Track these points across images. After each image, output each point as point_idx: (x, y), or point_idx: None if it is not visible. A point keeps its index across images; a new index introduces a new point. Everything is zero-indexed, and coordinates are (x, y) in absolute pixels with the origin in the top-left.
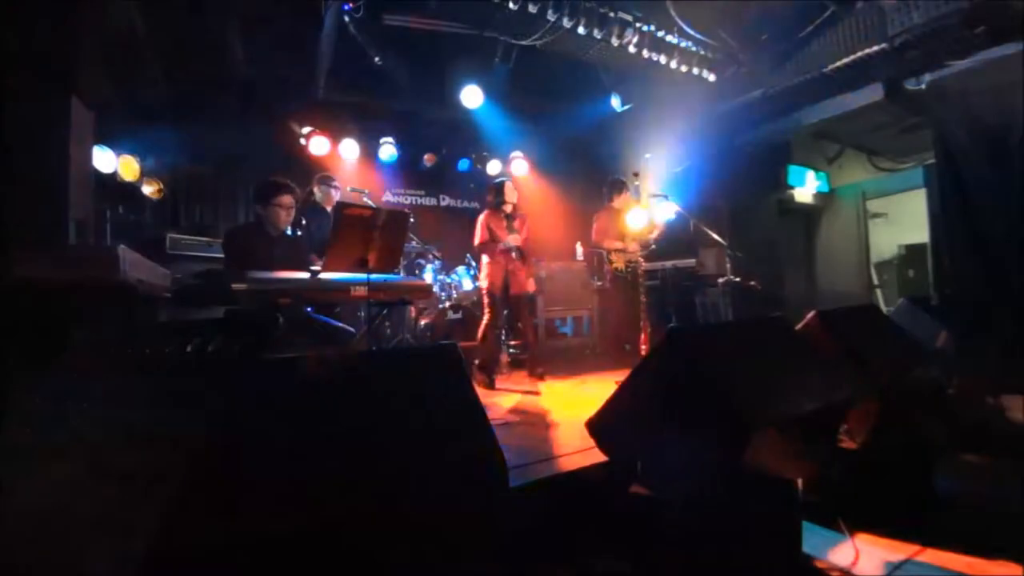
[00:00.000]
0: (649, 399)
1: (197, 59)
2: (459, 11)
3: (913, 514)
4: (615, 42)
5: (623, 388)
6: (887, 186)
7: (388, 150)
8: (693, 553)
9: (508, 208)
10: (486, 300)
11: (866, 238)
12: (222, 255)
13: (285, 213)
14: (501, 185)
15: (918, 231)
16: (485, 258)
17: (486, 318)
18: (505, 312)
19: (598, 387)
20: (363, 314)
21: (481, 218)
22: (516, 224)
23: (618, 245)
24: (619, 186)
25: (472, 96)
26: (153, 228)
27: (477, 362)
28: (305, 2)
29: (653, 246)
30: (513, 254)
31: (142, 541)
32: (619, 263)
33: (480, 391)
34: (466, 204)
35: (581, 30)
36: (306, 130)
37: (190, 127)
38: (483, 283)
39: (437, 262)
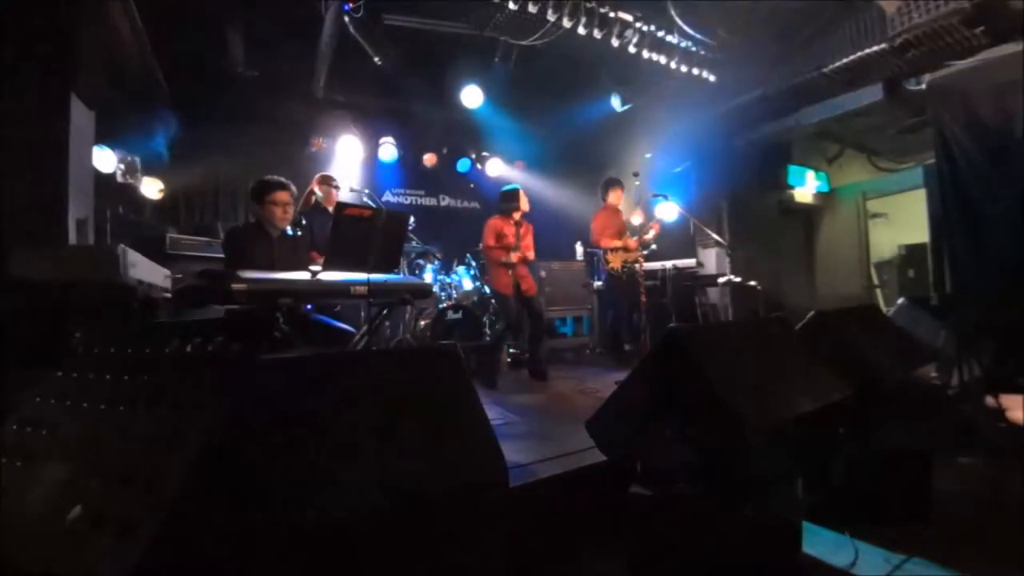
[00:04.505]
0: (649, 399)
1: (197, 59)
2: (459, 11)
3: (913, 514)
4: (615, 42)
5: (623, 388)
6: (887, 186)
7: (388, 150)
8: (693, 553)
9: (518, 216)
10: (502, 304)
11: (866, 238)
12: (222, 255)
13: (282, 210)
14: (516, 192)
15: (918, 231)
16: (492, 264)
17: (502, 321)
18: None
19: (598, 387)
20: (363, 314)
21: (490, 223)
22: (522, 231)
23: (616, 244)
24: (612, 183)
25: (472, 96)
26: (153, 228)
27: (478, 362)
28: (305, 2)
29: (653, 246)
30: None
31: (142, 541)
32: (615, 263)
33: (480, 391)
34: (466, 204)
35: (581, 30)
36: (306, 131)
37: (190, 127)
38: (495, 287)
39: (437, 262)
